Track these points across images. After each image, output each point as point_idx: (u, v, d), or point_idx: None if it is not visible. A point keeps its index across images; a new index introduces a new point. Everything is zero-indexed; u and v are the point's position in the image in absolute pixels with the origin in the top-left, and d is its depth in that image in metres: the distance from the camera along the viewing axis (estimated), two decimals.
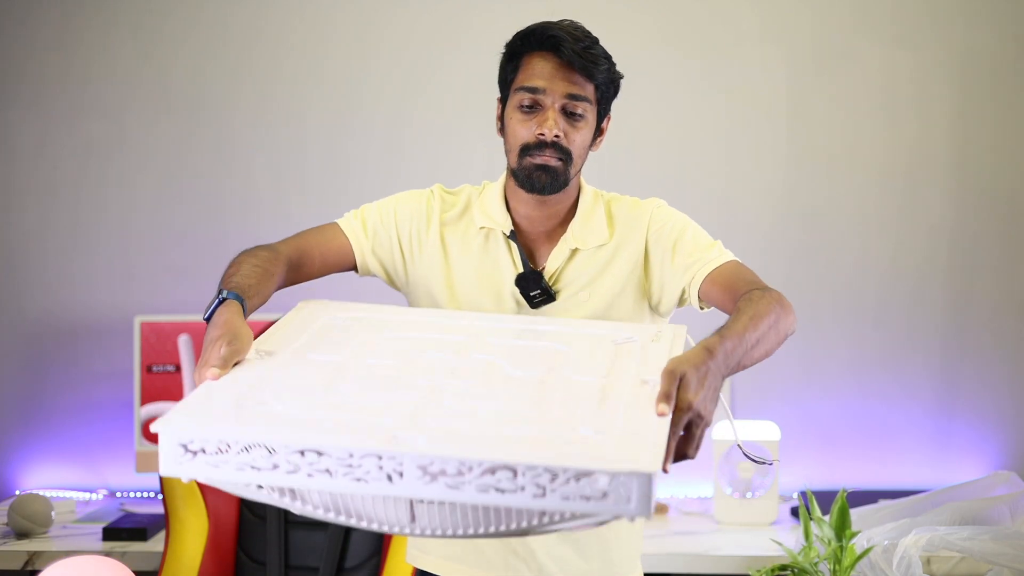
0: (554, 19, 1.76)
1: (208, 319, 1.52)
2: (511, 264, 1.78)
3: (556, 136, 1.70)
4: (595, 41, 1.74)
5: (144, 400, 2.87)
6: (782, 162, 3.03)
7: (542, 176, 1.72)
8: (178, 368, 2.88)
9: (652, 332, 1.59)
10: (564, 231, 1.80)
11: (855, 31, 3.01)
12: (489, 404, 1.36)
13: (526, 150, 1.71)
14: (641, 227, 1.80)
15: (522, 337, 1.59)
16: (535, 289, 1.76)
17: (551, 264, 1.79)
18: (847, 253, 3.03)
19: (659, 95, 3.03)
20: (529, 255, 1.80)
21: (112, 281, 3.03)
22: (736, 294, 1.69)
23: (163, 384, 2.87)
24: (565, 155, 1.71)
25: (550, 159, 1.71)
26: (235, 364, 1.43)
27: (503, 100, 1.78)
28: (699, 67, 3.03)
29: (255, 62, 3.03)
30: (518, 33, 1.75)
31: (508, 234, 1.79)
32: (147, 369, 2.87)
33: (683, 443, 1.37)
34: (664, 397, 1.34)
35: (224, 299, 1.54)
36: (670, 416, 1.33)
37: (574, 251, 1.79)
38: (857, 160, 3.02)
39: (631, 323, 1.71)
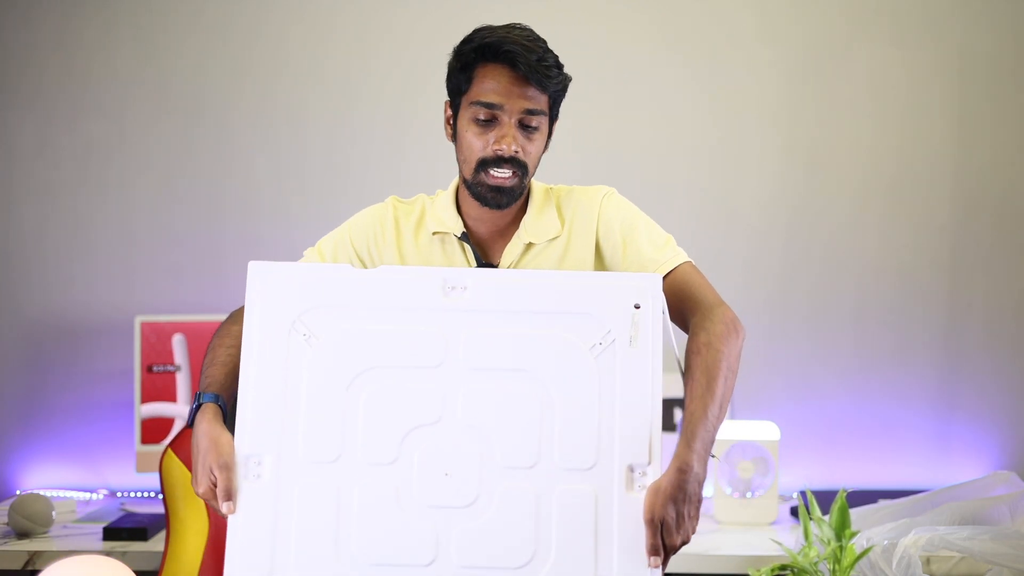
0: (510, 21, 1.76)
1: (191, 425, 1.62)
2: (465, 264, 1.80)
3: (515, 152, 1.71)
4: (547, 49, 1.73)
5: (144, 400, 2.87)
6: (779, 163, 3.03)
7: (498, 196, 1.73)
8: (178, 368, 2.89)
9: (628, 320, 1.55)
10: (516, 228, 1.81)
11: (851, 32, 3.01)
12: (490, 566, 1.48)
13: (483, 165, 1.72)
14: (591, 218, 1.81)
15: (496, 352, 1.55)
16: None
17: (506, 259, 1.80)
18: (845, 254, 3.03)
19: (655, 96, 3.03)
20: (484, 254, 1.82)
21: (112, 281, 3.03)
22: (683, 311, 1.71)
23: (163, 384, 2.88)
24: (522, 169, 1.73)
25: (506, 179, 1.72)
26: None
27: (454, 107, 1.80)
28: (695, 68, 3.03)
29: (255, 62, 3.03)
30: (469, 42, 1.75)
31: (460, 236, 1.80)
32: (147, 369, 2.87)
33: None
34: (652, 550, 1.48)
35: (201, 404, 1.62)
36: (660, 564, 1.48)
37: (528, 245, 1.80)
38: (854, 161, 3.02)
39: (597, 277, 1.62)
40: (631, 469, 1.50)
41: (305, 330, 1.54)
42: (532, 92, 1.71)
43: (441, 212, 1.83)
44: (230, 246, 3.03)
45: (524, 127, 1.72)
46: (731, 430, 2.79)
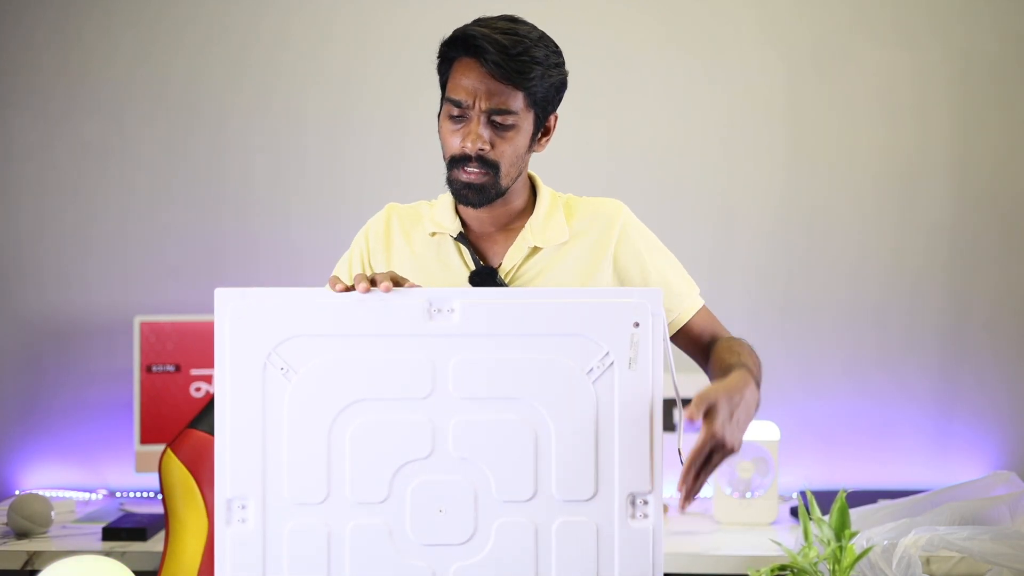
0: (494, 14, 1.69)
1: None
2: (462, 265, 1.75)
3: (480, 150, 1.65)
4: (531, 44, 1.64)
5: (144, 400, 2.87)
6: (781, 163, 3.03)
7: (469, 194, 1.68)
8: (178, 368, 2.89)
9: (626, 340, 1.47)
10: (520, 229, 1.76)
11: (854, 32, 3.01)
12: None
13: (454, 162, 1.68)
14: (609, 233, 1.75)
15: (488, 380, 1.47)
16: (490, 286, 1.70)
17: (508, 261, 1.74)
18: (847, 253, 3.03)
19: (658, 95, 3.03)
20: (483, 255, 1.76)
21: (111, 281, 3.03)
22: (703, 345, 1.73)
23: (163, 384, 2.88)
24: (492, 168, 1.66)
25: (474, 176, 1.66)
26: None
27: (440, 100, 1.73)
28: (698, 68, 3.03)
29: (254, 61, 3.03)
30: (449, 35, 1.69)
31: (456, 236, 1.75)
32: (147, 369, 2.87)
33: (700, 471, 1.43)
34: (689, 416, 1.40)
35: None
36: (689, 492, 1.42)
37: (534, 249, 1.74)
38: (856, 161, 3.02)
39: (590, 294, 1.54)
40: (632, 498, 1.46)
41: (282, 363, 1.45)
42: (503, 89, 1.63)
43: (439, 213, 1.78)
44: (229, 245, 3.04)
45: (496, 125, 1.65)
46: None
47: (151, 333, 2.88)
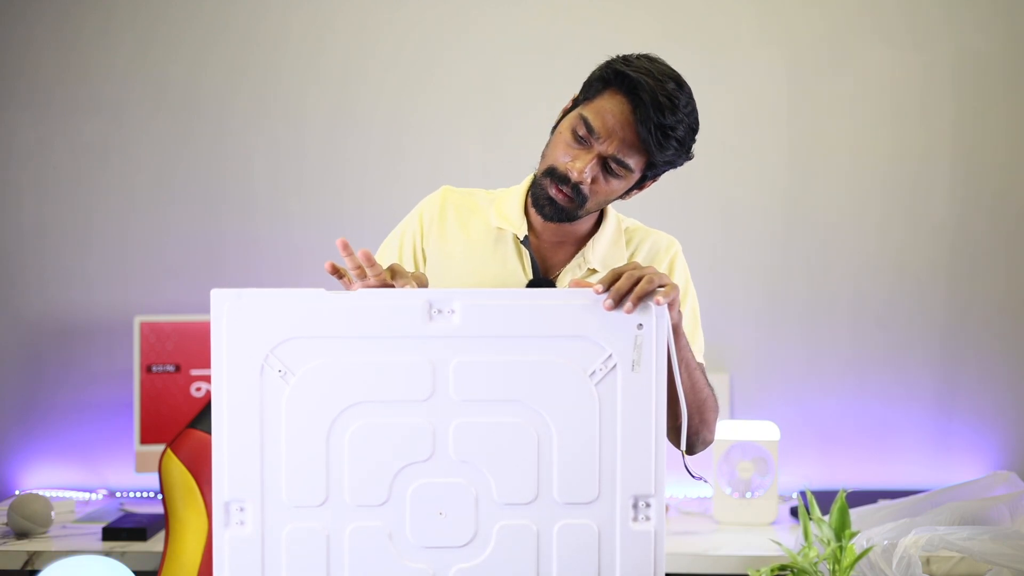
0: (644, 52, 1.69)
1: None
2: (519, 268, 1.74)
3: (580, 180, 1.65)
4: (680, 119, 1.64)
5: (144, 400, 2.87)
6: (784, 162, 3.03)
7: (547, 206, 1.68)
8: (178, 368, 2.89)
9: (629, 342, 1.45)
10: (581, 247, 1.77)
11: (857, 31, 3.01)
12: None
13: (550, 173, 1.67)
14: (656, 262, 1.78)
15: (489, 382, 1.46)
16: None
17: (565, 277, 1.75)
18: (848, 253, 3.02)
19: None
20: (540, 263, 1.76)
21: (111, 281, 3.03)
22: None
23: (163, 384, 2.88)
24: (580, 199, 1.66)
25: (562, 197, 1.66)
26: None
27: (574, 103, 1.72)
28: (700, 66, 3.01)
29: (254, 61, 3.03)
30: (625, 63, 1.66)
31: (521, 239, 1.75)
32: (147, 369, 2.87)
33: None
34: (596, 291, 1.44)
35: None
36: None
37: (591, 271, 1.75)
38: (859, 160, 3.02)
39: (593, 295, 1.49)
40: (635, 501, 1.45)
41: (280, 366, 1.44)
42: (635, 144, 1.63)
43: (508, 208, 1.77)
44: (229, 245, 3.04)
45: (606, 168, 1.65)
46: (731, 430, 2.79)
47: (151, 333, 2.88)
